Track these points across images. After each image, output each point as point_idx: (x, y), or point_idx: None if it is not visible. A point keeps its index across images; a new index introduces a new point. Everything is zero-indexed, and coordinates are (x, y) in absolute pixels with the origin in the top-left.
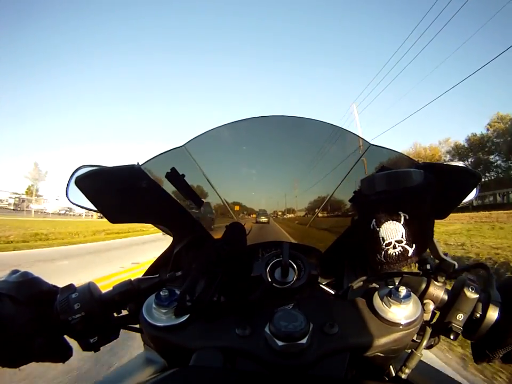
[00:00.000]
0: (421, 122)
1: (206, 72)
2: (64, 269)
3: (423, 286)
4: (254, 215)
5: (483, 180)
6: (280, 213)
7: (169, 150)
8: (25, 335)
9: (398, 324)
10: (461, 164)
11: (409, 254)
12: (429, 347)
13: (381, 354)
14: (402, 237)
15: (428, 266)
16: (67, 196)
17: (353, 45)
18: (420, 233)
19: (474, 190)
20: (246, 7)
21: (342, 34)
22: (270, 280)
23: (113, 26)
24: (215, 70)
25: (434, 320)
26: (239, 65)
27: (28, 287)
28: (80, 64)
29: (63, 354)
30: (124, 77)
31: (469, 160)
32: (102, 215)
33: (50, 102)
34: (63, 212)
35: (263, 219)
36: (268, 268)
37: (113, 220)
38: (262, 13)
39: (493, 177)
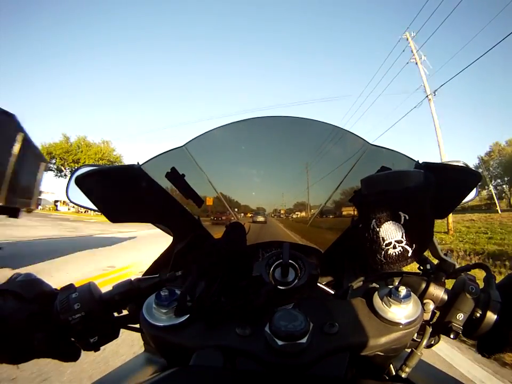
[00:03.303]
0: None
1: (207, 71)
2: None
3: (423, 285)
4: (252, 215)
5: None
6: (279, 212)
7: (169, 150)
8: (25, 329)
9: (398, 324)
10: (460, 163)
11: (409, 254)
12: (428, 346)
13: (381, 354)
14: (402, 237)
15: (428, 266)
16: (67, 195)
17: (355, 44)
18: (420, 233)
19: (474, 189)
20: (249, 7)
21: (344, 32)
22: (271, 280)
23: (115, 26)
24: (215, 69)
25: (434, 319)
26: (240, 65)
27: (30, 286)
28: (79, 64)
29: (72, 354)
30: (124, 77)
31: None
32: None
33: (49, 102)
34: None
35: (260, 218)
36: (268, 268)
37: (113, 219)
38: (265, 13)
39: None
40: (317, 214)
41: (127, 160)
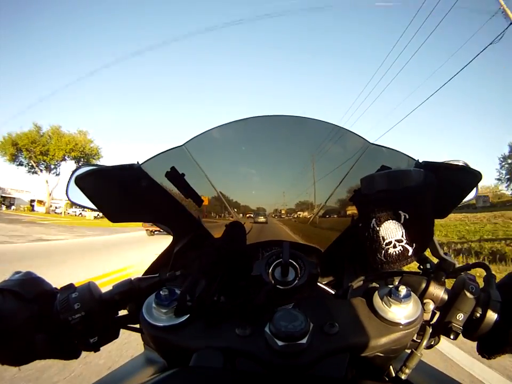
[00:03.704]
0: None
1: (207, 71)
2: None
3: (423, 285)
4: (252, 214)
5: None
6: (279, 212)
7: (169, 150)
8: (27, 330)
9: (398, 324)
10: (461, 162)
11: (409, 253)
12: (429, 347)
13: (381, 354)
14: (402, 236)
15: (428, 266)
16: (67, 195)
17: (355, 44)
18: (420, 233)
19: (475, 189)
20: (250, 7)
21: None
22: (271, 280)
23: (116, 26)
24: (214, 69)
25: (434, 320)
26: (241, 65)
27: (30, 285)
28: (80, 64)
29: (70, 353)
30: (123, 77)
31: None
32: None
33: (49, 102)
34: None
35: (261, 219)
36: (268, 267)
37: (113, 219)
38: (264, 13)
39: None
40: (317, 214)
41: (106, 153)
